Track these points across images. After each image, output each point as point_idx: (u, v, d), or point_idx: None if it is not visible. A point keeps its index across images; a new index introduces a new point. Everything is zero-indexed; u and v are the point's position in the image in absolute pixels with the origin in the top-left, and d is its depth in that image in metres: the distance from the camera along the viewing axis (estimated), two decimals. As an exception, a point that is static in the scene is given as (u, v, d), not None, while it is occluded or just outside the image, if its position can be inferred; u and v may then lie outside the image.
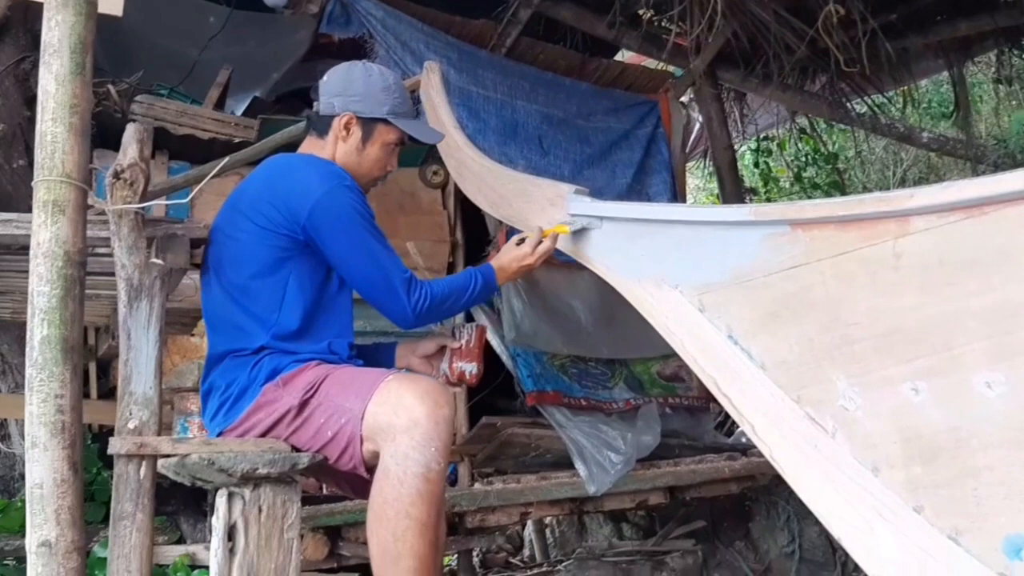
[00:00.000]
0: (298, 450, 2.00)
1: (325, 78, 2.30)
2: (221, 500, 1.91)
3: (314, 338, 2.12)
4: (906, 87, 5.57)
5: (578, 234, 2.39)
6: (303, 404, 2.01)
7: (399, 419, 1.91)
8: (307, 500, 2.98)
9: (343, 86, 2.25)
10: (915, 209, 1.61)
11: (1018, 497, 1.46)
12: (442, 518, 2.05)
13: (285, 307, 2.09)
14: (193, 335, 3.08)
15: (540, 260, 2.37)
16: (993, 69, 5.76)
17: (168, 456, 1.95)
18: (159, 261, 2.05)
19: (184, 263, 2.12)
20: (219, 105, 3.59)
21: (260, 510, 1.90)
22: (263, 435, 2.02)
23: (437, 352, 2.40)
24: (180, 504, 3.15)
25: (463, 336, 2.37)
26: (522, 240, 2.39)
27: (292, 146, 2.77)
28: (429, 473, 1.88)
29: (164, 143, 3.40)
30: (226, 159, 2.42)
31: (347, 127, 2.22)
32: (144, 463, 1.91)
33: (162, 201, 2.33)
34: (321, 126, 2.25)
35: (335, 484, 2.32)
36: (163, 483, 2.54)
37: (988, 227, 1.50)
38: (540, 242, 2.37)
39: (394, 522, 1.87)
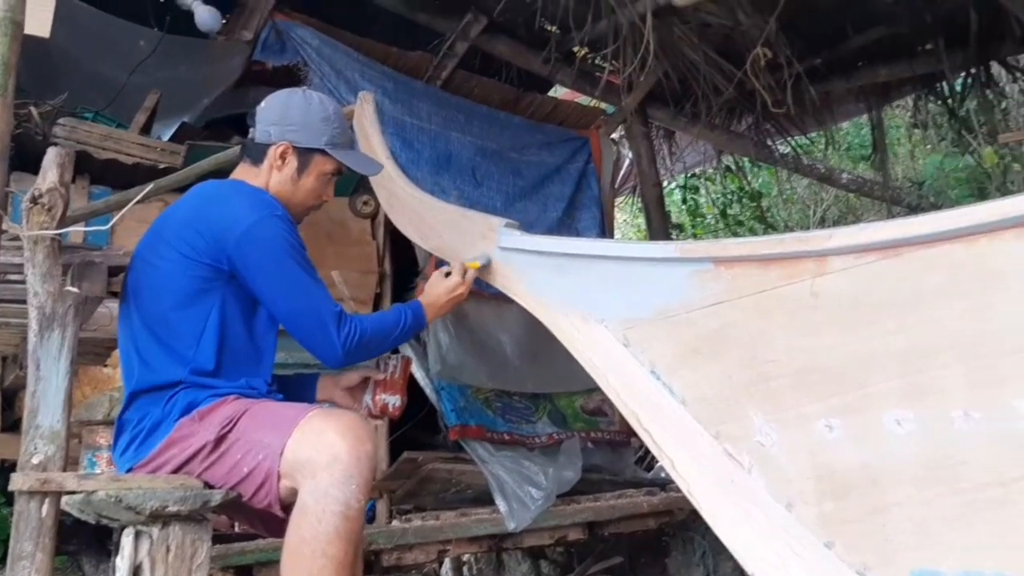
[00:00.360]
0: (211, 487, 1.94)
1: (263, 104, 2.25)
2: (127, 539, 1.84)
3: (232, 375, 2.06)
4: (828, 129, 5.75)
5: (502, 266, 2.41)
6: (220, 439, 1.95)
7: (320, 455, 1.86)
8: (218, 538, 2.89)
9: (281, 114, 2.21)
10: (833, 249, 1.65)
11: (925, 533, 1.50)
12: (359, 557, 2.01)
13: (204, 342, 2.03)
14: (106, 366, 2.98)
15: (465, 290, 2.37)
16: (910, 114, 5.98)
17: (73, 493, 1.87)
18: (74, 289, 1.99)
19: (101, 291, 2.06)
20: (146, 130, 3.51)
21: (168, 549, 1.83)
22: (176, 471, 1.95)
23: (360, 384, 2.36)
24: (82, 543, 3.02)
25: (387, 368, 2.34)
26: (448, 273, 2.38)
27: (219, 173, 2.72)
28: (348, 511, 1.84)
29: (86, 167, 3.31)
30: (150, 185, 2.36)
31: (283, 156, 2.18)
32: (47, 500, 1.83)
33: (80, 228, 2.26)
34: (256, 153, 2.21)
35: (247, 522, 2.26)
36: (65, 520, 2.44)
37: (902, 268, 1.54)
38: (466, 271, 2.38)
39: (310, 561, 1.82)
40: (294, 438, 1.91)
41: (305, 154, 2.19)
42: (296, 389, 2.28)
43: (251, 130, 2.25)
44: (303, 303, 2.05)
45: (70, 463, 2.76)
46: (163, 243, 2.09)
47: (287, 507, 1.92)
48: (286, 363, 3.06)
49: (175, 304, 2.04)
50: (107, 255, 2.08)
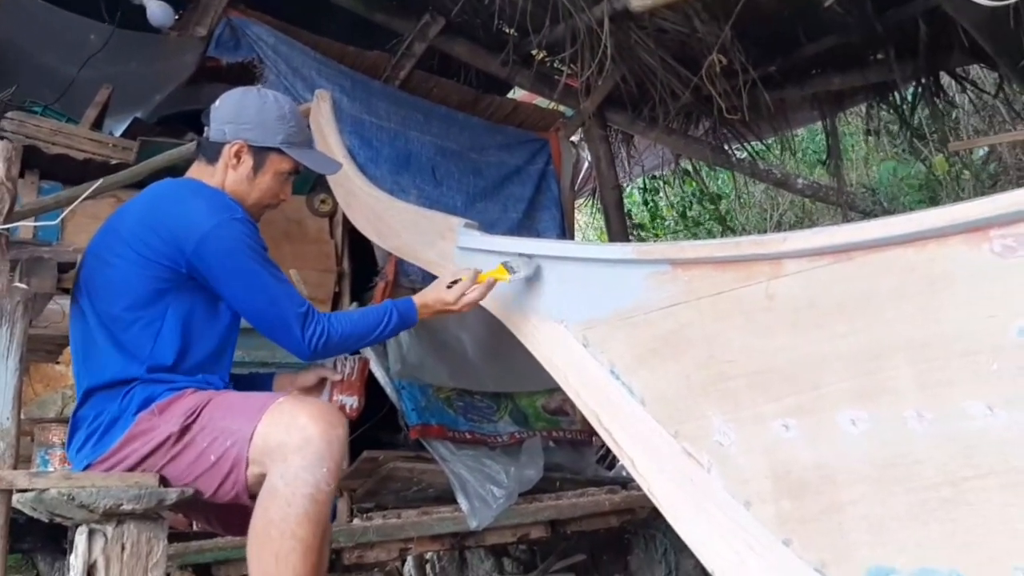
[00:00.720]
0: (167, 483, 1.91)
1: (217, 103, 2.22)
2: (81, 537, 1.80)
3: (189, 372, 2.04)
4: (783, 135, 5.84)
5: (461, 267, 2.38)
6: (184, 430, 1.93)
7: (291, 438, 1.85)
8: (177, 536, 2.86)
9: (235, 113, 2.17)
10: (787, 253, 1.67)
11: (879, 531, 1.52)
12: (327, 543, 1.99)
13: (160, 341, 2.00)
14: (58, 363, 2.92)
15: (464, 309, 2.26)
16: (863, 121, 6.09)
17: (25, 491, 1.83)
18: (23, 285, 1.95)
19: (50, 288, 2.02)
20: (97, 125, 3.44)
21: (123, 548, 1.81)
22: (136, 465, 1.93)
23: (317, 384, 2.33)
24: (37, 541, 2.96)
25: (344, 368, 2.32)
26: (455, 283, 2.26)
27: (172, 170, 2.68)
28: (318, 494, 1.84)
29: (36, 162, 3.23)
30: (99, 181, 2.31)
31: (238, 155, 2.15)
32: (-3, 498, 1.79)
33: (29, 223, 2.21)
34: (211, 152, 2.17)
35: (204, 520, 2.23)
36: (19, 519, 2.39)
37: (854, 271, 1.57)
38: (469, 291, 2.23)
39: (278, 543, 1.81)
40: (264, 423, 1.89)
41: (260, 153, 2.16)
42: (251, 387, 2.26)
43: (205, 128, 2.21)
44: (265, 304, 2.03)
45: (22, 461, 2.72)
46: (118, 241, 2.05)
47: (254, 496, 1.90)
48: (243, 361, 3.03)
49: (131, 304, 2.01)
50: (56, 251, 2.04)
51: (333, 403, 2.29)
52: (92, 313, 2.04)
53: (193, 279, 2.03)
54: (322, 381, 2.33)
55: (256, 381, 2.34)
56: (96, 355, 2.02)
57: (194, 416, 1.94)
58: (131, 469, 1.94)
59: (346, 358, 2.33)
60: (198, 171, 2.20)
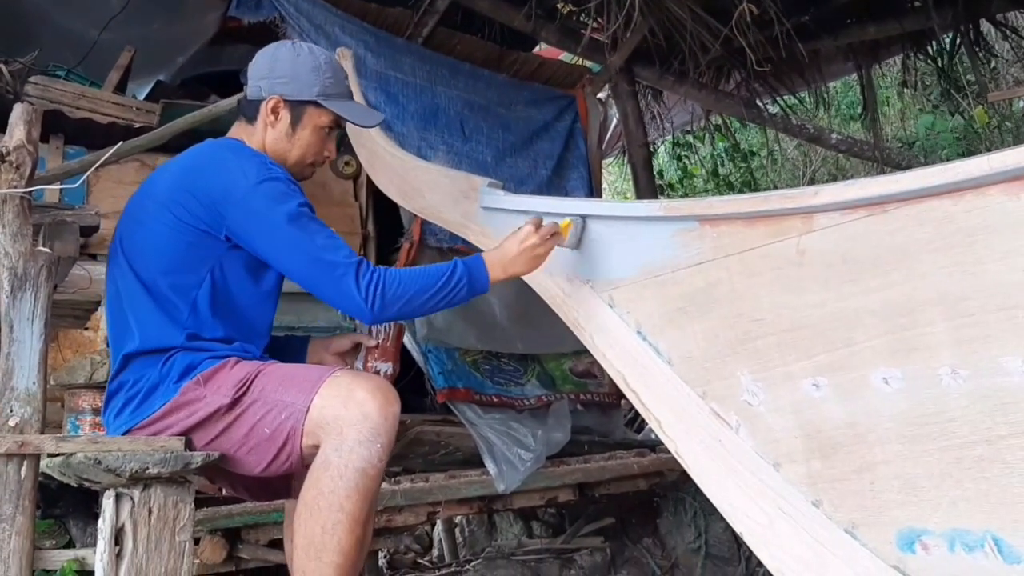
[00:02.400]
0: (192, 446, 1.91)
1: (253, 60, 2.18)
2: (108, 501, 1.81)
3: (227, 338, 2.01)
4: (817, 88, 5.71)
5: (484, 227, 2.34)
6: (235, 402, 1.91)
7: (349, 412, 1.84)
8: (205, 501, 2.89)
9: (269, 68, 2.13)
10: (819, 207, 1.62)
11: (912, 491, 1.49)
12: (372, 517, 2.00)
13: (198, 306, 1.98)
14: (86, 329, 2.95)
15: (542, 251, 2.06)
16: (899, 72, 5.94)
17: (52, 455, 1.85)
18: (46, 249, 1.95)
19: (73, 251, 2.02)
20: (120, 88, 3.44)
21: (150, 512, 1.81)
22: (181, 435, 1.91)
23: (352, 349, 2.31)
24: (69, 506, 3.01)
25: (379, 334, 2.29)
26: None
27: (195, 132, 2.67)
28: (370, 468, 1.83)
29: (60, 127, 3.24)
30: (119, 144, 2.30)
31: (274, 111, 2.10)
32: (25, 462, 1.80)
33: (51, 186, 2.20)
34: (250, 111, 2.14)
35: (230, 486, 2.22)
36: (51, 484, 2.42)
37: (889, 225, 1.52)
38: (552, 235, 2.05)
39: (326, 514, 1.81)
40: (321, 395, 1.88)
41: (297, 107, 2.11)
42: (285, 352, 2.23)
43: (244, 88, 2.17)
44: (309, 263, 1.95)
45: (53, 427, 2.75)
46: (155, 203, 2.02)
47: (306, 468, 1.89)
48: (294, 326, 3.04)
49: (168, 268, 1.98)
50: (79, 215, 2.03)
51: (367, 369, 2.28)
52: (131, 275, 2.01)
53: (233, 244, 1.99)
54: (356, 347, 2.31)
55: (289, 345, 2.32)
56: (134, 319, 2.00)
57: (245, 388, 1.92)
58: None
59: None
60: (239, 131, 2.17)
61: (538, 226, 2.06)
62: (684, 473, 1.88)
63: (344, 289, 1.92)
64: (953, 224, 1.44)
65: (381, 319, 1.99)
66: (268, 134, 2.12)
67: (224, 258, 2.00)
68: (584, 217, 2.08)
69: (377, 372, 2.29)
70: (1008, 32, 5.06)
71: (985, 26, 4.93)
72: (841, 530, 1.57)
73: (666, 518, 4.33)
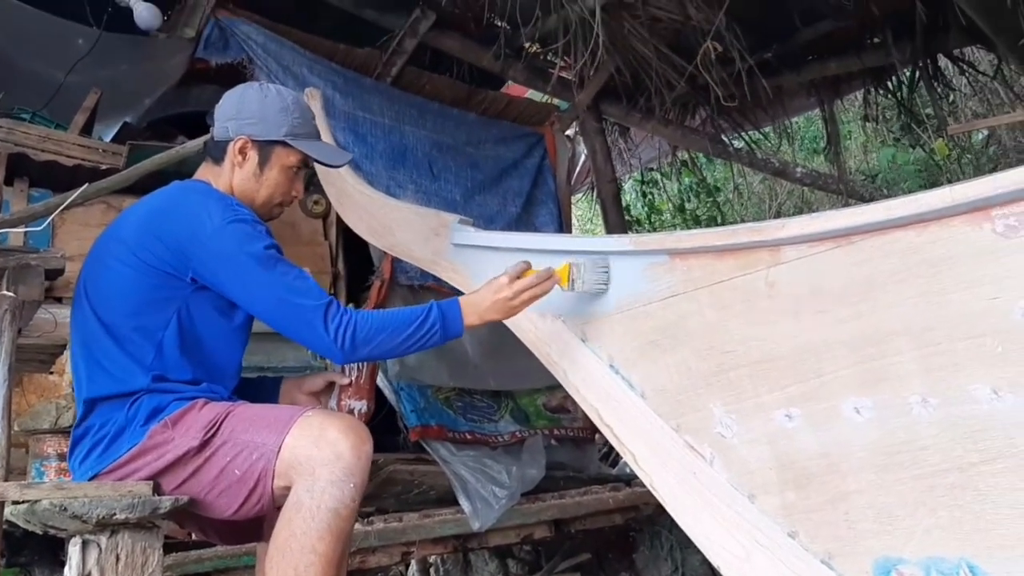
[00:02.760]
0: (160, 491, 1.87)
1: (221, 102, 2.18)
2: (75, 549, 1.77)
3: (193, 382, 1.98)
4: (780, 123, 5.80)
5: (456, 264, 2.34)
6: (204, 444, 1.88)
7: (321, 452, 1.82)
8: (175, 547, 2.83)
9: (236, 109, 2.12)
10: (786, 239, 1.65)
11: (886, 520, 1.50)
12: (346, 559, 1.96)
13: (163, 350, 1.95)
14: (51, 373, 2.89)
15: (521, 307, 2.01)
16: (860, 106, 6.05)
17: (17, 503, 1.80)
18: (9, 294, 1.92)
19: (38, 295, 1.98)
20: (86, 130, 3.41)
21: (118, 558, 1.78)
22: (149, 479, 1.87)
23: (325, 388, 2.29)
24: (34, 554, 2.93)
25: (353, 372, 2.27)
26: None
27: (162, 173, 2.65)
28: (343, 509, 1.81)
29: (25, 170, 3.20)
30: (85, 186, 2.28)
31: (242, 152, 2.09)
32: (-11, 511, 1.76)
33: (15, 228, 2.17)
34: (217, 152, 2.13)
35: (199, 530, 2.18)
36: (15, 532, 2.36)
37: (855, 256, 1.55)
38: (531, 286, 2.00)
39: (298, 556, 1.78)
40: (293, 435, 1.85)
41: (265, 147, 2.10)
42: (257, 392, 2.20)
43: (211, 129, 2.17)
44: (277, 303, 1.93)
45: (17, 474, 2.69)
46: (120, 246, 2.00)
47: (278, 510, 1.86)
48: (263, 366, 3.01)
49: (132, 310, 1.96)
50: (44, 258, 2.00)
51: (341, 408, 2.25)
52: (93, 318, 1.99)
53: (200, 286, 1.97)
54: (330, 385, 2.29)
55: (262, 385, 2.29)
56: (100, 363, 1.97)
57: (214, 429, 1.89)
58: None
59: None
60: (206, 172, 2.15)
61: (518, 275, 2.00)
62: (660, 507, 1.87)
63: (314, 330, 1.91)
64: (918, 255, 1.46)
65: (352, 359, 1.99)
66: (236, 174, 2.11)
67: (190, 299, 1.98)
68: (587, 259, 2.01)
69: (352, 411, 2.25)
70: (965, 67, 5.18)
71: (943, 61, 5.05)
72: (818, 561, 1.57)
73: (643, 552, 4.31)
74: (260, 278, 1.93)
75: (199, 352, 2.01)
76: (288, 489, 1.84)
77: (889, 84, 5.26)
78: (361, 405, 2.26)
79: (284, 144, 2.12)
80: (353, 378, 2.25)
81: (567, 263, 2.01)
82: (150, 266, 1.95)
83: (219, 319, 2.03)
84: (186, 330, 1.98)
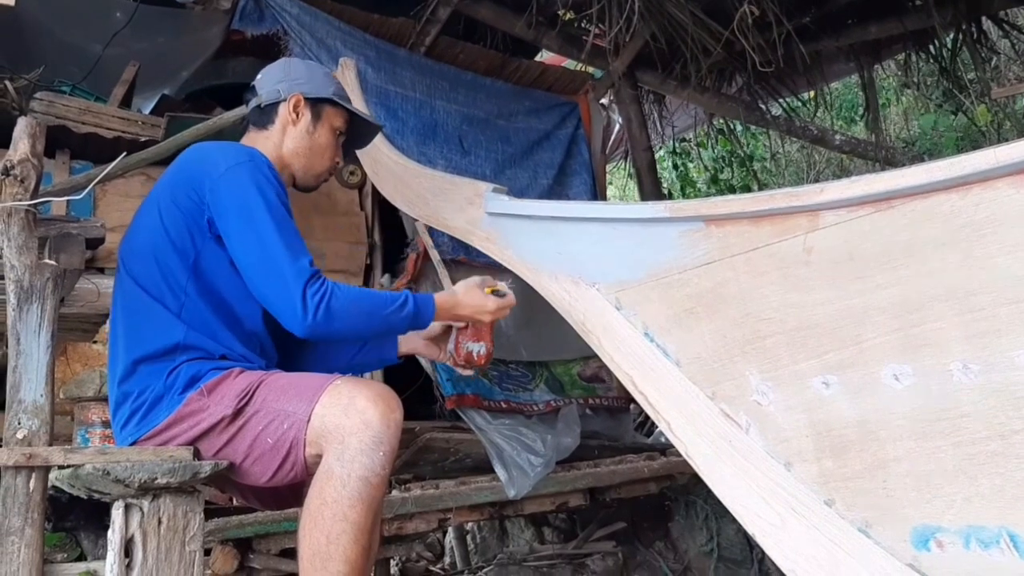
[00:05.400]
0: (200, 456, 1.90)
1: (260, 75, 2.26)
2: (117, 512, 1.80)
3: (228, 346, 2.00)
4: (818, 90, 5.70)
5: (490, 232, 2.34)
6: (237, 412, 1.90)
7: (350, 420, 1.83)
8: (216, 512, 2.88)
9: (285, 72, 2.24)
10: (825, 204, 1.61)
11: (925, 488, 1.48)
12: (378, 525, 1.98)
13: (190, 299, 1.97)
14: (95, 342, 2.95)
15: (495, 319, 2.26)
16: (901, 73, 5.93)
17: (61, 467, 1.84)
18: (51, 262, 1.94)
19: (79, 263, 2.01)
20: (125, 103, 3.45)
21: (160, 522, 1.81)
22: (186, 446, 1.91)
23: (443, 332, 2.32)
24: (80, 519, 3.01)
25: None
26: (495, 292, 2.23)
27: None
28: (373, 477, 1.82)
29: (66, 142, 3.26)
30: (121, 157, 2.31)
31: (296, 109, 2.18)
32: (34, 475, 1.79)
33: (55, 198, 2.21)
34: (264, 118, 2.20)
35: (240, 495, 2.21)
36: (61, 497, 2.42)
37: (895, 221, 1.51)
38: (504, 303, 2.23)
39: (330, 524, 1.80)
40: (322, 403, 1.87)
41: (316, 105, 2.21)
42: (376, 339, 2.28)
43: (253, 100, 2.21)
44: (265, 255, 1.90)
45: (63, 440, 2.75)
46: (152, 205, 2.06)
47: (312, 476, 1.88)
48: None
49: (160, 260, 1.98)
50: (84, 227, 2.02)
51: (459, 352, 2.24)
52: (129, 280, 2.02)
53: (215, 234, 1.97)
54: (448, 329, 2.32)
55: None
56: (137, 323, 2.00)
57: (247, 398, 1.91)
58: None
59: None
60: (249, 139, 2.21)
61: (495, 293, 2.19)
62: (695, 475, 1.86)
63: (287, 292, 1.88)
64: (960, 218, 1.43)
65: (315, 333, 1.91)
66: (288, 134, 2.19)
67: (209, 245, 1.99)
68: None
69: (470, 353, 2.22)
70: (1009, 29, 5.04)
71: (986, 24, 4.92)
72: (855, 529, 1.55)
73: (678, 521, 4.31)
74: (260, 222, 1.92)
75: (222, 301, 2.02)
76: (320, 457, 1.86)
77: (931, 48, 5.14)
78: (479, 347, 2.25)
79: (332, 103, 2.22)
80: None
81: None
82: (173, 216, 1.99)
83: (233, 272, 2.00)
84: (207, 278, 2.00)
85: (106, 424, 2.79)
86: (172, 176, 2.07)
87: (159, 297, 1.98)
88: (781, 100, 5.42)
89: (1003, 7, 4.62)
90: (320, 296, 1.88)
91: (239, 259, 1.95)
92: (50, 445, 1.84)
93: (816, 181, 7.33)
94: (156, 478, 1.78)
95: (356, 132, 2.35)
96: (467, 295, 2.19)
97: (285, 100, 2.18)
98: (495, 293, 2.23)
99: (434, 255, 3.42)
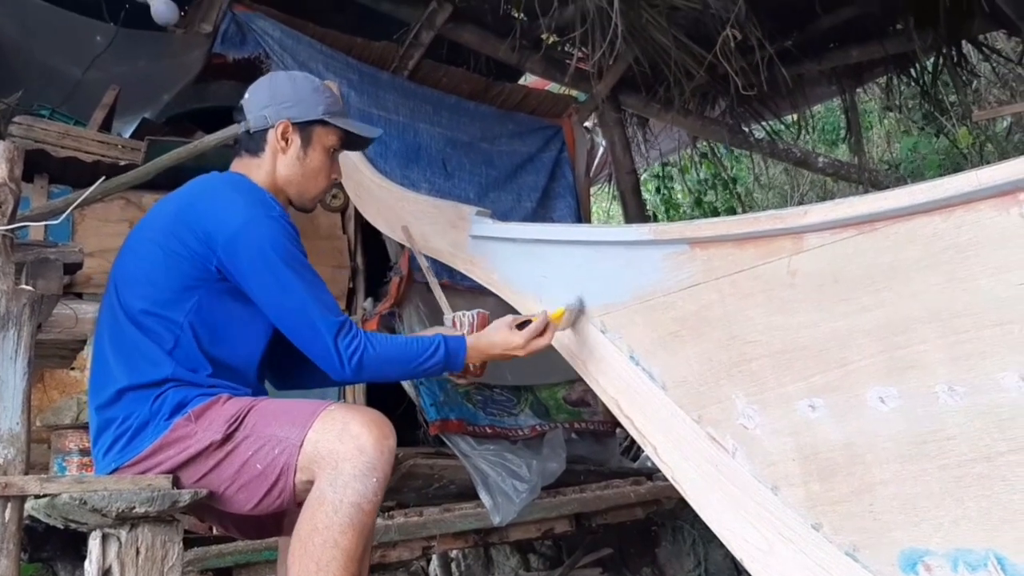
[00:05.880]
0: (179, 484, 1.87)
1: (247, 95, 2.16)
2: (94, 542, 1.77)
3: (216, 376, 1.97)
4: (801, 112, 5.74)
5: (474, 255, 2.33)
6: (227, 437, 1.87)
7: (344, 446, 1.81)
8: (196, 541, 2.83)
9: (271, 96, 2.12)
10: (809, 226, 1.62)
11: (912, 511, 1.47)
12: (368, 553, 1.95)
13: (185, 339, 1.94)
14: (73, 369, 2.91)
15: (530, 354, 2.11)
16: (882, 96, 5.99)
17: (37, 497, 1.80)
18: (28, 287, 1.91)
19: (57, 289, 1.98)
20: (105, 127, 3.42)
21: (138, 552, 1.77)
22: (171, 473, 1.87)
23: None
24: (56, 549, 2.95)
25: (463, 325, 2.21)
26: (523, 324, 2.10)
27: (180, 169, 2.65)
28: (365, 503, 1.79)
29: (44, 166, 3.23)
30: (100, 181, 2.28)
31: (284, 136, 2.09)
32: (9, 504, 1.75)
33: (33, 223, 2.18)
34: (254, 144, 2.11)
35: (221, 524, 2.18)
36: (37, 527, 2.38)
37: (879, 243, 1.52)
38: (541, 334, 2.08)
39: (320, 551, 1.77)
40: (315, 429, 1.84)
41: (306, 128, 2.11)
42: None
43: (241, 124, 2.14)
44: (294, 310, 1.93)
45: (39, 469, 2.70)
46: (152, 233, 2.00)
47: (299, 504, 1.86)
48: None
49: (158, 297, 1.94)
50: (62, 252, 2.00)
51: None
52: (119, 308, 1.98)
53: (225, 280, 1.95)
54: None
55: None
56: (125, 354, 1.96)
57: (237, 423, 1.88)
58: None
59: (464, 313, 2.21)
60: (241, 166, 2.13)
61: (519, 323, 2.09)
62: (682, 500, 1.85)
63: (324, 343, 1.92)
64: (943, 240, 1.43)
65: (351, 381, 2.00)
66: (279, 161, 2.10)
67: (215, 294, 1.96)
68: (581, 302, 2.10)
69: (466, 367, 2.20)
70: (989, 52, 5.10)
71: (966, 47, 4.97)
72: (842, 553, 1.54)
73: (665, 547, 4.28)
74: (285, 280, 1.92)
75: (219, 343, 1.99)
76: (310, 483, 1.84)
77: (912, 71, 5.19)
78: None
79: (323, 123, 2.12)
80: (465, 332, 2.17)
81: (562, 307, 2.10)
82: (178, 254, 1.94)
83: (241, 312, 2.00)
84: (207, 321, 1.96)
85: (84, 452, 2.74)
86: (178, 211, 2.00)
87: (152, 334, 1.94)
88: (764, 123, 5.46)
89: (982, 31, 4.67)
90: (354, 349, 1.93)
91: (270, 314, 1.97)
92: (26, 474, 1.80)
93: (800, 203, 7.38)
94: (134, 507, 1.75)
95: (353, 137, 2.26)
96: (498, 334, 2.12)
97: (273, 127, 2.10)
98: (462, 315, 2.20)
99: (432, 280, 3.39)
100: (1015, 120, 6.49)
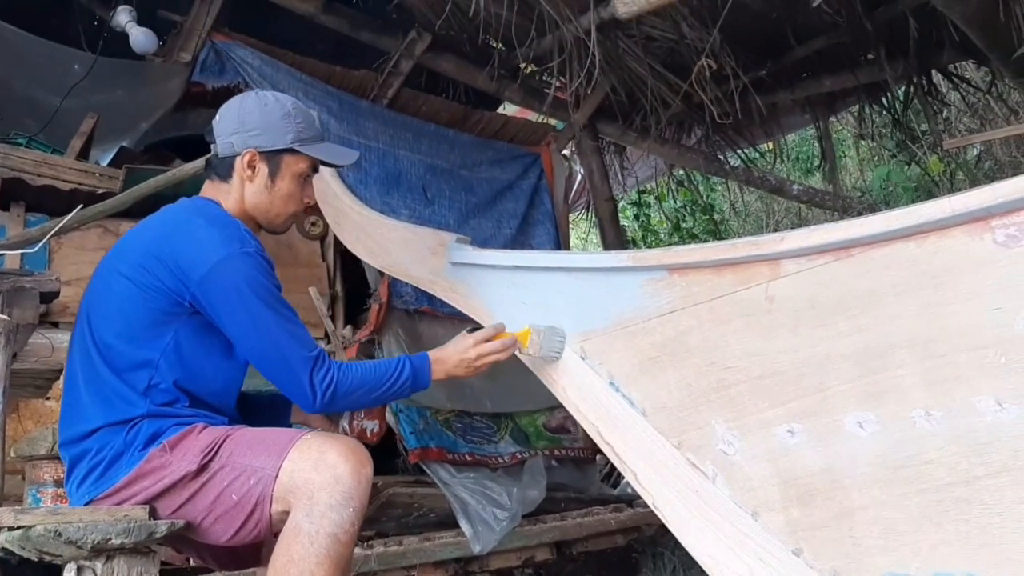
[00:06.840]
0: (156, 515, 1.84)
1: (217, 117, 2.11)
2: (70, 575, 1.74)
3: (192, 404, 1.95)
4: (776, 141, 5.81)
5: (453, 282, 2.33)
6: (202, 468, 1.85)
7: (320, 475, 1.79)
8: (173, 573, 2.79)
9: (238, 122, 2.05)
10: (786, 252, 1.63)
11: (891, 536, 1.48)
12: None
13: (161, 375, 1.91)
14: (48, 399, 2.87)
15: (482, 368, 2.13)
16: (855, 125, 6.07)
17: (11, 528, 1.77)
18: (4, 316, 1.90)
19: (32, 318, 1.97)
20: (83, 155, 3.41)
21: (113, 584, 1.75)
22: (146, 504, 1.85)
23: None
24: (31, 582, 2.90)
25: None
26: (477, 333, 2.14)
27: (158, 197, 2.65)
28: (342, 534, 1.78)
29: (21, 194, 3.21)
30: (77, 209, 2.27)
31: (251, 165, 2.04)
32: (-18, 537, 1.73)
33: (9, 251, 2.17)
34: (223, 169, 2.07)
35: (197, 556, 2.15)
36: (11, 560, 2.33)
37: (855, 268, 1.53)
38: (501, 348, 2.11)
39: None
40: (291, 459, 1.83)
41: (274, 157, 2.05)
42: (270, 407, 2.20)
43: (212, 147, 2.11)
44: (268, 346, 1.91)
45: (13, 500, 2.66)
46: (124, 265, 1.96)
47: (277, 534, 1.84)
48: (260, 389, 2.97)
49: (132, 331, 1.92)
50: (39, 281, 1.99)
51: (354, 428, 2.22)
52: (91, 343, 1.95)
53: (198, 314, 1.93)
54: None
55: (275, 401, 2.24)
56: (98, 388, 1.93)
57: (212, 453, 1.87)
58: None
59: None
60: (212, 191, 2.09)
61: (486, 338, 2.10)
62: (663, 527, 1.85)
63: (298, 380, 1.90)
64: (918, 266, 1.45)
65: (324, 411, 2.00)
66: (247, 189, 2.06)
67: (188, 326, 1.94)
68: (547, 327, 2.11)
69: (364, 431, 2.24)
70: (959, 82, 5.20)
71: (936, 77, 5.06)
72: (823, 578, 1.55)
73: (645, 574, 4.26)
74: (259, 316, 1.90)
75: (195, 378, 1.97)
76: (287, 514, 1.82)
77: (884, 100, 5.27)
78: (373, 425, 2.26)
79: (292, 151, 2.07)
80: None
81: (528, 327, 2.11)
82: (151, 288, 1.91)
83: (218, 343, 1.98)
84: (183, 357, 1.94)
85: (58, 483, 2.70)
86: (150, 245, 1.97)
87: (127, 375, 1.91)
88: (739, 151, 5.51)
89: (952, 61, 4.76)
90: (327, 383, 1.92)
91: (244, 350, 1.96)
92: (0, 506, 1.78)
93: (776, 230, 7.44)
94: (110, 539, 1.73)
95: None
96: (453, 343, 2.13)
97: (239, 155, 2.04)
98: None
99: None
100: (985, 148, 6.60)
